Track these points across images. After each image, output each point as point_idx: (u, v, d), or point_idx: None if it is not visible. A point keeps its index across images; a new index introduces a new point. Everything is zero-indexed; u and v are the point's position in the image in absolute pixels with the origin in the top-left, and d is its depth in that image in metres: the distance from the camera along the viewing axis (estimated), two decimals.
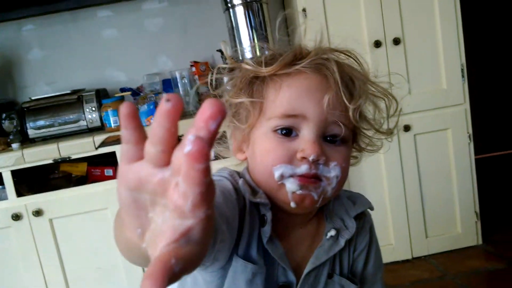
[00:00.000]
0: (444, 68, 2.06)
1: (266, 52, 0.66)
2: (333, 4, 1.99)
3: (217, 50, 2.19)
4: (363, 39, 2.01)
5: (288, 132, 0.60)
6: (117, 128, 1.92)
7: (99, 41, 2.33)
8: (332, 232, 0.66)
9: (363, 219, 0.72)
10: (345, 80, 0.62)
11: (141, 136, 0.31)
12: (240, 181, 0.63)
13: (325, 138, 0.61)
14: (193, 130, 0.28)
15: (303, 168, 0.59)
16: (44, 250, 1.92)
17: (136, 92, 2.20)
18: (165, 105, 0.29)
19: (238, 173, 0.67)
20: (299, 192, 0.59)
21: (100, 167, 2.04)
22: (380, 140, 0.70)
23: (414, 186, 2.13)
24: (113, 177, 2.00)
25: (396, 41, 2.01)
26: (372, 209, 0.72)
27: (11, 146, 2.00)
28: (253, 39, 2.03)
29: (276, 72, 0.62)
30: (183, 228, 0.29)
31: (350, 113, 0.60)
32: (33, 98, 2.16)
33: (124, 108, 0.31)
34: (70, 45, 2.35)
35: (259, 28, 2.02)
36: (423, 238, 2.18)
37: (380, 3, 1.99)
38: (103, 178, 2.02)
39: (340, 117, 0.61)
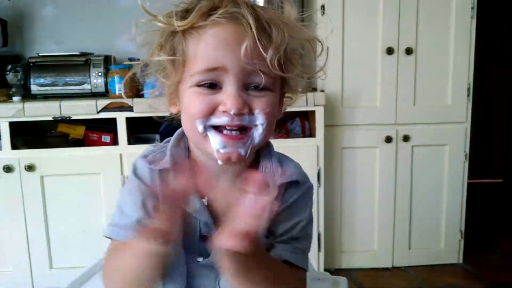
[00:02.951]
0: (451, 85, 2.09)
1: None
2: (353, 4, 2.00)
3: None
4: (376, 44, 2.03)
5: (210, 85, 0.61)
6: (121, 96, 1.92)
7: (114, 8, 2.32)
8: None
9: (295, 189, 0.71)
10: (262, 27, 0.60)
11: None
12: (144, 167, 0.68)
13: (249, 87, 0.62)
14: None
15: (223, 120, 0.60)
16: (31, 206, 1.91)
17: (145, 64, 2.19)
18: None
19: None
20: (223, 150, 0.61)
21: (98, 132, 2.04)
22: (308, 81, 0.70)
23: (404, 196, 2.15)
24: (110, 143, 1.99)
25: (409, 51, 2.02)
26: (300, 181, 0.71)
27: (12, 99, 2.00)
28: None
29: (193, 25, 0.60)
30: None
31: (268, 62, 0.59)
32: (40, 54, 2.15)
33: None
34: (84, 8, 2.33)
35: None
36: (406, 249, 2.20)
37: (398, 12, 2.01)
38: (99, 143, 2.02)
39: (261, 65, 0.60)
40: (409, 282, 2.09)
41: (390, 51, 2.02)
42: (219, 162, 0.63)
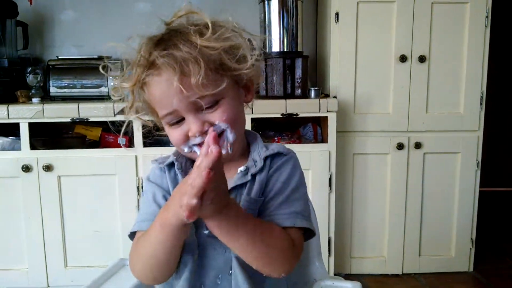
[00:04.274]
0: (464, 93, 2.09)
1: None
2: (367, 12, 2.02)
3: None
4: (390, 52, 2.04)
5: (178, 121, 0.73)
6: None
7: (132, 13, 2.37)
8: (242, 168, 0.77)
9: (279, 157, 0.80)
10: (180, 64, 0.68)
11: None
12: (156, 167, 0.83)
13: (203, 108, 0.71)
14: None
15: (197, 139, 0.72)
16: (48, 205, 1.96)
17: None
18: None
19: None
20: None
21: (114, 134, 2.08)
22: (254, 63, 0.75)
23: (415, 204, 2.16)
24: (126, 146, 2.03)
25: (422, 59, 2.04)
26: (283, 153, 0.80)
27: (31, 100, 2.05)
28: (283, 34, 2.06)
29: (139, 79, 0.71)
30: None
31: (194, 86, 0.67)
32: (60, 57, 2.20)
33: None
34: (103, 13, 2.39)
35: (290, 25, 2.05)
36: (416, 256, 2.20)
37: (412, 19, 2.02)
38: (115, 145, 2.06)
39: (199, 90, 0.68)
40: None
41: (403, 58, 2.03)
42: None
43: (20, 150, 1.94)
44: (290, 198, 0.76)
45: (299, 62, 2.02)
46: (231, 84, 0.74)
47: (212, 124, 0.71)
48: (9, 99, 2.06)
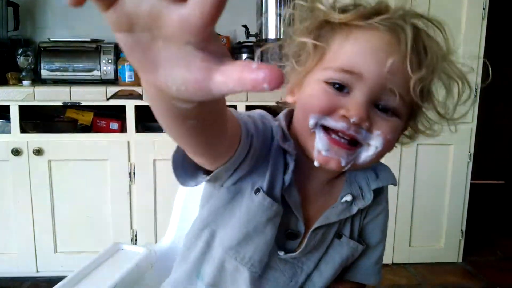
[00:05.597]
0: (462, 56, 2.08)
1: None
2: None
3: (242, 25, 2.20)
4: None
5: (340, 87, 0.57)
6: (131, 83, 1.93)
7: None
8: (348, 198, 0.66)
9: (382, 193, 0.71)
10: (417, 48, 0.57)
11: None
12: (275, 123, 0.63)
13: (377, 105, 0.58)
14: None
15: (340, 125, 0.57)
16: (38, 189, 1.94)
17: None
18: None
19: (273, 118, 0.66)
20: (324, 153, 0.58)
21: (106, 119, 2.06)
22: (440, 126, 0.66)
23: (407, 194, 2.16)
24: (118, 130, 2.01)
25: None
26: (395, 185, 0.70)
27: (22, 83, 2.01)
28: (280, 21, 2.04)
29: (348, 21, 0.58)
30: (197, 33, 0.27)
31: (411, 84, 0.56)
32: (51, 39, 2.16)
33: None
34: None
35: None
36: (406, 246, 2.22)
37: None
38: (107, 130, 2.04)
39: (400, 86, 0.57)
40: (409, 279, 2.11)
41: None
42: (316, 163, 0.60)
43: (10, 133, 1.90)
44: (383, 251, 0.70)
45: None
46: (408, 114, 0.62)
47: (370, 128, 0.57)
48: None
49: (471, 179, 2.19)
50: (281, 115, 0.66)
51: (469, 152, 2.15)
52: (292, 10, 0.61)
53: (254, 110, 0.64)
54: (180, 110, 0.34)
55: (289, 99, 0.66)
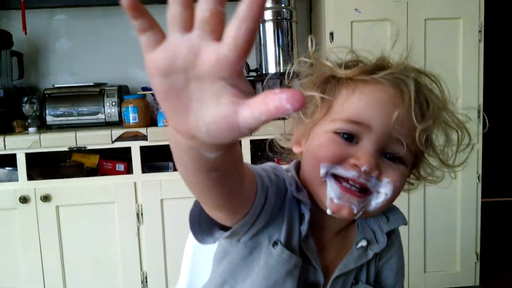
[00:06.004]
0: (461, 107, 2.09)
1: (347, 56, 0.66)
2: (360, 30, 2.03)
3: None
4: None
5: (349, 137, 0.60)
6: (135, 125, 1.95)
7: (126, 39, 2.38)
8: (363, 243, 0.67)
9: (394, 235, 0.72)
10: (420, 100, 0.61)
11: (153, 20, 0.31)
12: (287, 175, 0.64)
13: (385, 154, 0.61)
14: None
15: (350, 173, 0.58)
16: (46, 235, 1.93)
17: None
18: None
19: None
20: (336, 201, 0.59)
21: (112, 161, 2.07)
22: (442, 173, 0.68)
23: (418, 220, 2.14)
24: (124, 172, 2.02)
25: None
26: (405, 224, 0.71)
27: (28, 130, 2.03)
28: (279, 55, 2.07)
29: (354, 76, 0.61)
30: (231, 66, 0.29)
31: (417, 134, 0.59)
32: (55, 85, 2.19)
33: (124, 1, 0.29)
34: (97, 40, 2.39)
35: (286, 46, 2.06)
36: (421, 272, 2.18)
37: (406, 35, 2.03)
38: (114, 172, 2.04)
39: (405, 135, 0.60)
40: None
41: None
42: (328, 211, 0.61)
43: (18, 181, 1.91)
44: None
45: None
46: (412, 162, 0.65)
47: (379, 176, 0.59)
48: (6, 129, 2.05)
49: (482, 197, 2.17)
50: (291, 166, 0.68)
51: (477, 173, 2.14)
52: (298, 66, 0.65)
53: (266, 163, 0.65)
54: (206, 162, 0.37)
55: (296, 149, 0.68)
